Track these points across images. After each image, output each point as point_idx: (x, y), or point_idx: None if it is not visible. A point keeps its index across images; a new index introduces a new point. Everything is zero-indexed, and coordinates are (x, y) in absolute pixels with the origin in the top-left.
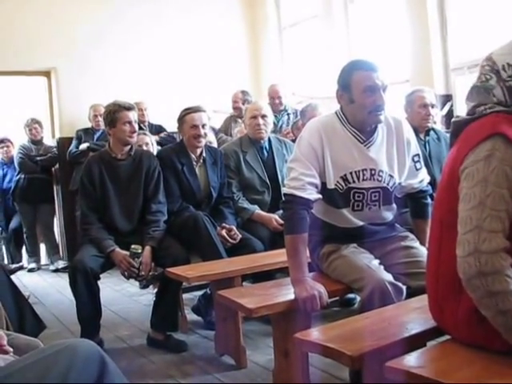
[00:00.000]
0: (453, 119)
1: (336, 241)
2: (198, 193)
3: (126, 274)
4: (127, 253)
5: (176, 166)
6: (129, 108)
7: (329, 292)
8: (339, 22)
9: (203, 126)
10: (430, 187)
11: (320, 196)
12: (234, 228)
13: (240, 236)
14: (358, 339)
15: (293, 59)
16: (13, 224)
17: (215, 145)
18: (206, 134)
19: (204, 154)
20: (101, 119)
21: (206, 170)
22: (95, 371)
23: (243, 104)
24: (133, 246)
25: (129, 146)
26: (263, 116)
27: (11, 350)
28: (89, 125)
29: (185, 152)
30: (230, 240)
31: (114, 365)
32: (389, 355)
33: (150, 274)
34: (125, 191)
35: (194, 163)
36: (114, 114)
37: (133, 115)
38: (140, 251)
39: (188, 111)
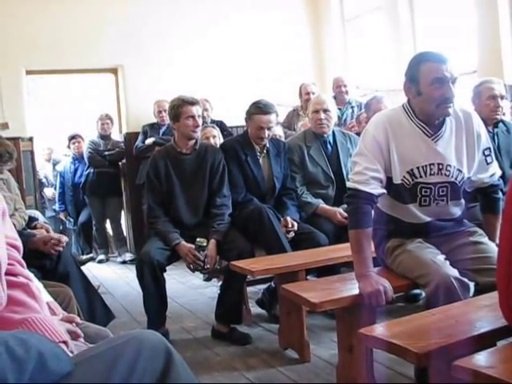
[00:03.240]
0: None
1: (402, 235)
2: (262, 183)
3: (191, 266)
4: (192, 246)
5: (240, 157)
6: (192, 103)
7: (394, 287)
8: (404, 13)
9: (269, 128)
10: (501, 181)
11: (384, 191)
12: (295, 225)
13: (294, 229)
14: (424, 336)
15: (357, 52)
16: (81, 218)
17: (283, 139)
18: (269, 135)
19: (267, 145)
20: (165, 115)
21: (270, 160)
22: (161, 362)
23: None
24: (198, 239)
25: (193, 141)
26: (325, 110)
27: (82, 334)
28: (154, 120)
29: (249, 143)
30: (287, 235)
31: (180, 357)
32: (456, 354)
33: (215, 266)
34: (190, 185)
35: (258, 154)
36: (178, 108)
37: (196, 110)
38: (205, 244)
39: (258, 111)
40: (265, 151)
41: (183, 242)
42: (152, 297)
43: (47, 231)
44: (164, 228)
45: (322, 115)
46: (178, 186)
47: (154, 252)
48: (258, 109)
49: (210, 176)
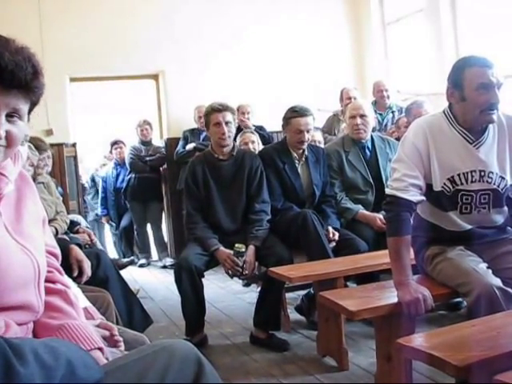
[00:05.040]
0: None
1: (442, 243)
2: (300, 191)
3: (229, 272)
4: (231, 252)
5: (277, 165)
6: (218, 109)
7: (433, 296)
8: (445, 15)
9: (308, 131)
10: None
11: (424, 198)
12: (336, 234)
13: (335, 238)
14: (464, 348)
15: (397, 55)
16: (123, 222)
17: (323, 145)
18: (309, 139)
19: (306, 153)
20: None
21: (309, 168)
22: (192, 372)
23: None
24: (236, 245)
25: (230, 147)
26: (362, 116)
27: (121, 339)
28: (195, 125)
29: (286, 151)
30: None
31: (211, 367)
32: (498, 368)
33: (254, 272)
34: (228, 191)
35: (296, 162)
36: (207, 116)
37: (223, 116)
38: (244, 250)
39: (295, 114)
40: (303, 159)
41: (222, 248)
42: (190, 302)
43: (89, 235)
44: (203, 234)
45: (359, 120)
46: (215, 191)
47: (192, 257)
48: (295, 112)
49: (247, 182)
